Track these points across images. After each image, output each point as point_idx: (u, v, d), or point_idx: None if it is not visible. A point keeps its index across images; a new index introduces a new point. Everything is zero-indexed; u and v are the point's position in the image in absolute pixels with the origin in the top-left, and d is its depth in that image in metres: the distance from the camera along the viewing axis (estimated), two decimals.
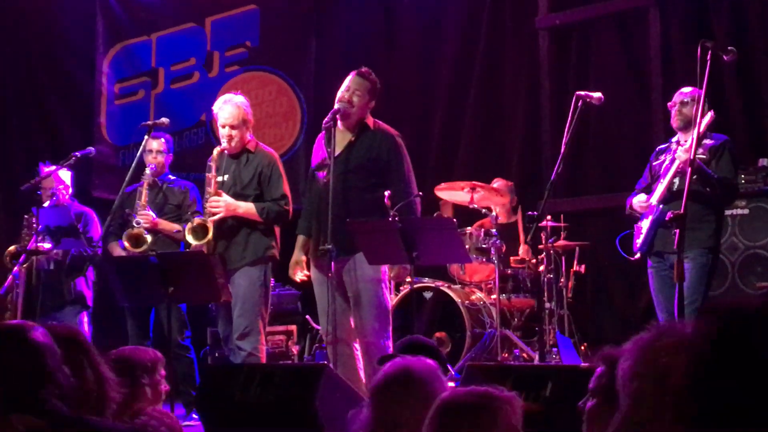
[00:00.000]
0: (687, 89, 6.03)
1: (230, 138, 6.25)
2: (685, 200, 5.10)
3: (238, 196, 6.25)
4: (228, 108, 6.29)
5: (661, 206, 5.85)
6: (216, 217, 6.15)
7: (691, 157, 5.25)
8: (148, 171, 6.94)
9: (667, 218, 5.36)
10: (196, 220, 6.22)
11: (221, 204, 6.15)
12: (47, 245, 7.00)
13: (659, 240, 5.92)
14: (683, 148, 5.70)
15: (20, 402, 2.65)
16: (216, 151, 6.32)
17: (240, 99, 6.38)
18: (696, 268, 5.77)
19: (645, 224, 5.96)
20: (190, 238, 6.17)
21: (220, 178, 6.29)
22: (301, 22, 10.24)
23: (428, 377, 3.03)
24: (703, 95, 5.27)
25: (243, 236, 6.23)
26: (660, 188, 5.90)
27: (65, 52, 9.80)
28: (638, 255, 6.05)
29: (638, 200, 6.04)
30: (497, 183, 8.07)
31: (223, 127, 6.28)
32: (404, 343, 4.13)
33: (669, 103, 6.07)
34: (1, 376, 2.68)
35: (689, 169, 5.24)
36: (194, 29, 10.05)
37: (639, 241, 6.01)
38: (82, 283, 7.38)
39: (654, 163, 6.16)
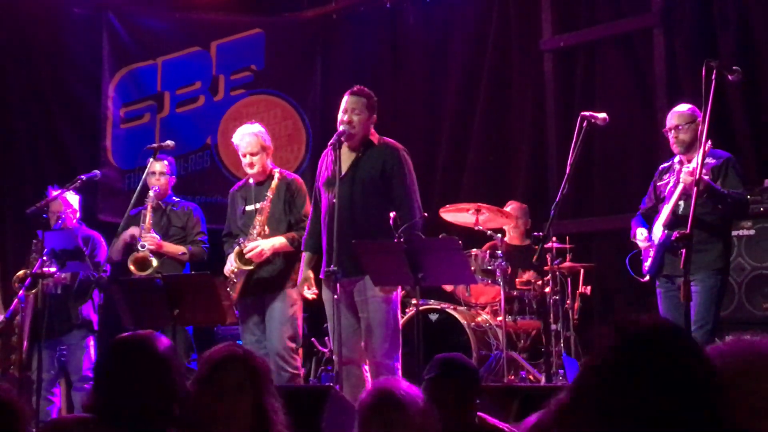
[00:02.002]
0: (680, 108, 6.00)
1: (251, 165, 6.57)
2: (691, 220, 5.08)
3: (272, 222, 6.47)
4: (246, 138, 6.61)
5: (666, 231, 5.81)
6: (257, 259, 6.39)
7: (697, 177, 5.23)
8: (151, 193, 6.99)
9: (673, 237, 5.34)
10: (246, 251, 6.40)
11: (264, 252, 6.39)
12: (53, 269, 6.99)
13: (668, 264, 5.88)
14: (687, 170, 5.65)
15: (149, 415, 2.66)
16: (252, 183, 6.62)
17: (257, 127, 6.72)
18: (705, 290, 5.73)
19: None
20: (235, 260, 6.43)
21: (250, 207, 6.56)
22: (306, 46, 10.29)
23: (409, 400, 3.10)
24: (708, 115, 5.26)
25: (278, 264, 6.48)
26: (665, 212, 5.88)
27: (73, 76, 9.84)
28: (647, 278, 6.03)
29: (639, 234, 6.02)
30: (510, 206, 8.07)
31: (244, 156, 6.60)
32: (440, 359, 4.12)
33: (664, 129, 6.04)
34: (134, 388, 2.70)
35: (695, 189, 5.22)
36: (200, 53, 10.09)
37: (647, 265, 5.99)
38: (89, 307, 7.38)
39: (658, 184, 6.15)
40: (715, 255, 5.81)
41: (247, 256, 6.37)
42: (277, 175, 6.58)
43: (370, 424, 3.09)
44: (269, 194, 6.48)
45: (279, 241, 6.45)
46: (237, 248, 6.43)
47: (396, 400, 3.07)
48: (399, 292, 6.05)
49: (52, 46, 9.75)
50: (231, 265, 6.47)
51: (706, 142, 5.36)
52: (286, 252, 6.47)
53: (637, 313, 6.88)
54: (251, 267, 6.38)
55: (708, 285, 5.75)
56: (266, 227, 6.44)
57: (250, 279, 6.45)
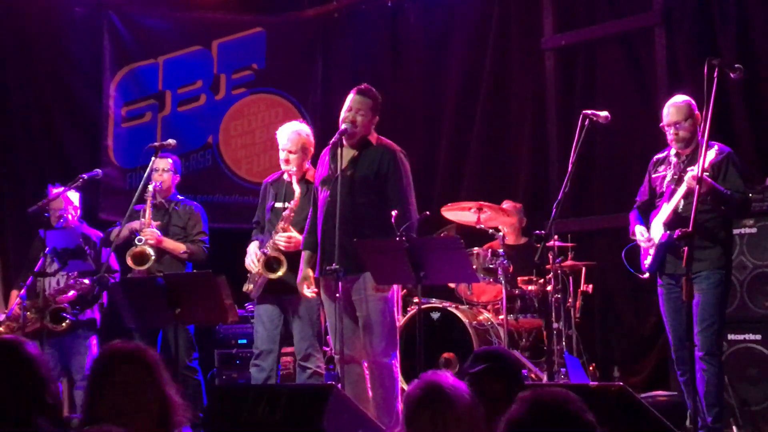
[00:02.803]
0: (678, 102, 5.90)
1: (287, 161, 6.53)
2: (693, 217, 5.07)
3: (300, 224, 6.41)
4: (288, 134, 6.58)
5: (668, 231, 5.76)
6: (286, 249, 6.35)
7: (699, 175, 5.22)
8: (150, 188, 6.97)
9: (675, 236, 5.32)
10: (271, 254, 6.37)
11: (292, 242, 6.36)
12: (72, 277, 7.03)
13: (670, 263, 5.84)
14: (692, 174, 5.58)
15: (24, 406, 2.87)
16: (294, 182, 6.49)
17: (303, 127, 6.69)
18: (710, 288, 5.68)
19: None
20: (264, 270, 6.39)
21: (279, 204, 6.53)
22: (307, 44, 10.29)
23: (455, 395, 3.05)
24: (710, 113, 5.25)
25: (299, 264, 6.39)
26: (666, 210, 5.84)
27: (73, 75, 9.84)
28: (647, 275, 6.00)
29: (639, 232, 5.96)
30: (506, 205, 8.06)
31: (282, 150, 6.55)
32: (482, 353, 4.08)
33: (662, 124, 5.94)
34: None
35: (697, 188, 5.20)
36: (201, 52, 10.09)
37: (647, 262, 5.94)
38: (92, 307, 7.38)
39: (653, 176, 6.08)
40: (718, 253, 5.77)
41: (275, 240, 6.36)
42: (311, 178, 6.50)
43: (418, 417, 3.05)
44: (292, 205, 6.42)
45: None
46: (262, 257, 6.41)
47: (445, 394, 3.03)
48: (400, 291, 6.06)
49: (53, 45, 9.75)
50: (254, 265, 6.46)
51: (709, 150, 5.34)
52: None
53: (639, 310, 6.88)
54: (278, 275, 6.35)
55: (713, 283, 5.70)
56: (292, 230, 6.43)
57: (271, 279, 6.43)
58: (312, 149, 6.67)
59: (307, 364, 6.39)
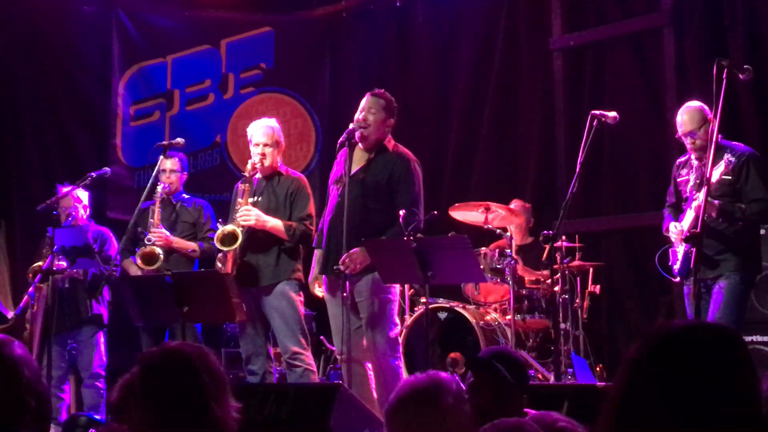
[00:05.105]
0: (691, 110, 5.80)
1: (263, 156, 6.36)
2: (701, 219, 5.05)
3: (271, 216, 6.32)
4: (262, 129, 6.43)
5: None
6: (245, 224, 6.18)
7: (707, 176, 5.19)
8: (159, 189, 6.98)
9: (683, 236, 5.30)
10: (227, 228, 6.22)
11: (252, 214, 6.18)
12: (63, 264, 7.02)
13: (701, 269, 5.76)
14: (695, 204, 5.45)
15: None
16: (249, 165, 6.39)
17: (273, 122, 6.57)
18: (728, 291, 5.60)
19: (680, 249, 5.79)
20: (218, 245, 6.23)
21: (251, 199, 6.33)
22: (315, 44, 10.30)
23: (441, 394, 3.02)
24: (719, 114, 5.24)
25: (273, 256, 6.28)
26: (689, 218, 5.70)
27: (82, 74, 9.85)
28: (678, 278, 5.93)
29: (673, 228, 5.85)
30: (514, 204, 8.06)
31: (257, 145, 6.39)
32: (490, 353, 4.05)
33: (677, 134, 5.86)
34: None
35: (705, 187, 5.18)
36: (209, 51, 10.11)
37: (677, 267, 5.86)
38: (99, 303, 7.40)
39: (678, 180, 6.03)
40: (740, 257, 5.67)
41: (237, 216, 6.20)
42: (285, 172, 6.49)
43: (398, 415, 3.03)
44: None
45: (275, 222, 6.23)
46: (218, 231, 6.25)
47: (429, 393, 2.99)
48: (406, 291, 6.05)
49: (62, 43, 9.76)
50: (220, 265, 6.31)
51: (717, 139, 5.32)
52: (281, 244, 6.27)
53: (647, 311, 6.84)
54: (232, 248, 6.15)
55: (731, 285, 5.61)
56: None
57: (240, 269, 6.22)
58: (283, 145, 6.57)
59: (296, 362, 6.19)
